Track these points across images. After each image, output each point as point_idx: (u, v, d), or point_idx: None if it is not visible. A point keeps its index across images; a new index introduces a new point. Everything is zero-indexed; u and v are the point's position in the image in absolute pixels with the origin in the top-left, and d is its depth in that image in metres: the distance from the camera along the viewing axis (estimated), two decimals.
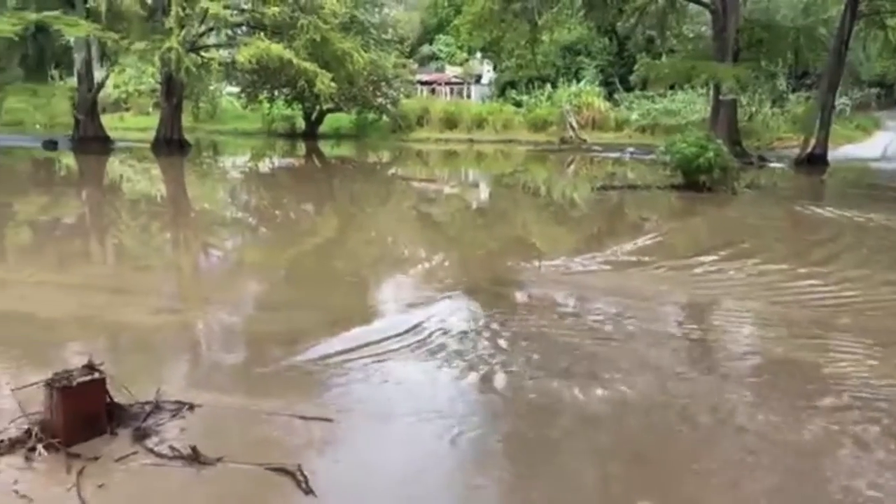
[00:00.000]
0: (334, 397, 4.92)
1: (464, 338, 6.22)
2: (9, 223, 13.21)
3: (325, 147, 30.95)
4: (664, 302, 7.77)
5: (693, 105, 30.48)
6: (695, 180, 16.00)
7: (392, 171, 25.39)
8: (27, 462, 3.75)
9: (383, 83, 30.78)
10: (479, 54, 40.05)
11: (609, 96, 34.10)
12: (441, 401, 4.92)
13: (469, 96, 39.86)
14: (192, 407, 4.48)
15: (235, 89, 33.01)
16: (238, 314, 7.26)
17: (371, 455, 4.18)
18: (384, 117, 32.92)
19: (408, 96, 33.90)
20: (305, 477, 3.69)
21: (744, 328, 6.92)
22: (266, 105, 32.24)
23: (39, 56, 28.16)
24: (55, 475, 3.66)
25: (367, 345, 5.95)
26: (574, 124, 31.27)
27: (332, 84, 22.48)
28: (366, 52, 25.80)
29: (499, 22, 25.80)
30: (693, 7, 26.89)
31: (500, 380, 5.32)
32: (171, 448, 3.93)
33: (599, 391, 5.09)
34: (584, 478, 4.09)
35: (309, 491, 3.61)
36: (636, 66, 26.90)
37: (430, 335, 6.22)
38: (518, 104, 35.10)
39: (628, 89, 32.93)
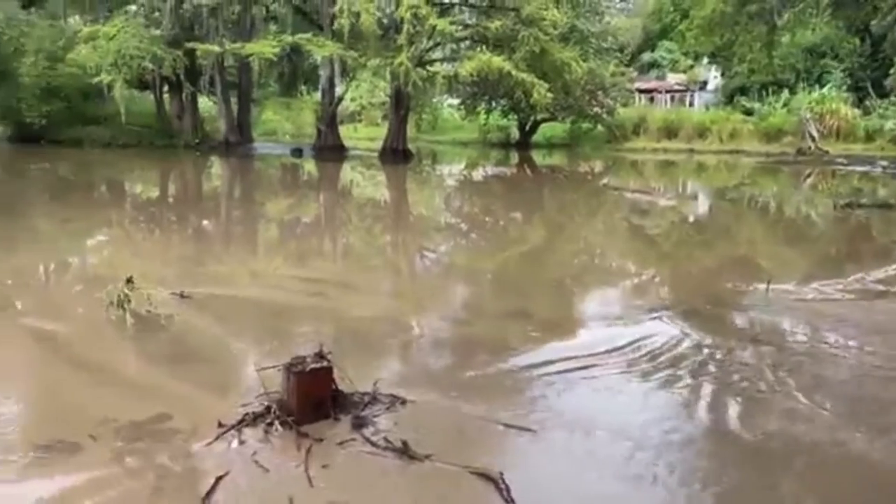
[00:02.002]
0: (537, 408, 4.90)
1: (677, 361, 5.85)
2: (260, 220, 15.14)
3: (538, 156, 31.22)
4: None
5: None
6: None
7: (604, 181, 24.85)
8: (265, 436, 4.23)
9: (600, 92, 30.32)
10: (705, 60, 37.77)
11: (858, 103, 30.23)
12: (649, 426, 4.67)
13: (692, 104, 37.76)
14: (404, 402, 4.73)
15: (456, 101, 34.63)
16: (448, 316, 7.54)
17: (572, 472, 4.09)
18: (599, 126, 32.39)
19: (625, 105, 33.04)
20: (507, 486, 3.72)
21: None
22: (483, 116, 33.36)
23: (292, 74, 32.01)
24: (287, 451, 4.08)
25: (572, 358, 5.86)
26: (814, 134, 28.20)
27: (549, 94, 22.59)
28: (584, 61, 25.60)
29: (731, 25, 24.09)
30: None
31: (713, 412, 4.92)
32: (385, 440, 4.19)
33: (830, 440, 4.50)
34: None
35: (510, 500, 3.63)
36: (893, 69, 23.50)
37: (640, 355, 5.95)
38: (748, 112, 32.53)
39: (882, 95, 28.92)
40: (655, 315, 7.26)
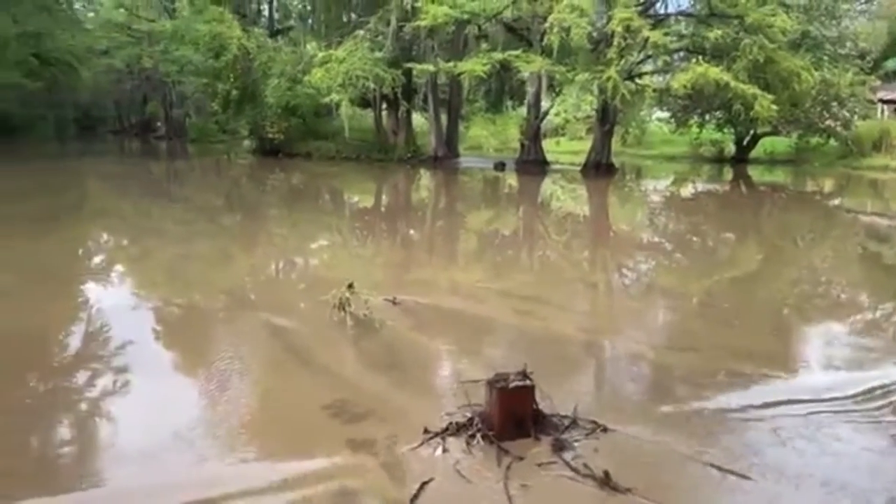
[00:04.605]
0: (754, 454, 4.50)
1: None
2: (462, 231, 15.69)
3: (756, 173, 28.87)
4: None
5: None
6: None
7: (835, 201, 22.30)
8: (467, 447, 4.35)
9: (834, 103, 27.28)
10: None
11: None
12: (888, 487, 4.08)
13: None
14: (605, 430, 4.61)
15: (665, 114, 33.19)
16: (649, 342, 7.20)
17: None
18: (831, 141, 29.15)
19: (864, 117, 29.35)
20: None
21: None
22: (695, 129, 31.61)
23: (500, 90, 32.92)
24: (488, 464, 4.17)
25: (794, 402, 5.31)
26: None
27: (773, 106, 20.78)
28: (816, 69, 23.19)
29: None
30: None
31: None
32: (585, 466, 4.10)
33: None
34: None
35: None
36: None
37: (879, 405, 5.22)
38: None
39: None
40: None
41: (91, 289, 9.25)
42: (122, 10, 42.21)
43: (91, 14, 44.87)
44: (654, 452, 4.45)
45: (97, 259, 11.63)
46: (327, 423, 4.74)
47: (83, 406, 5.23)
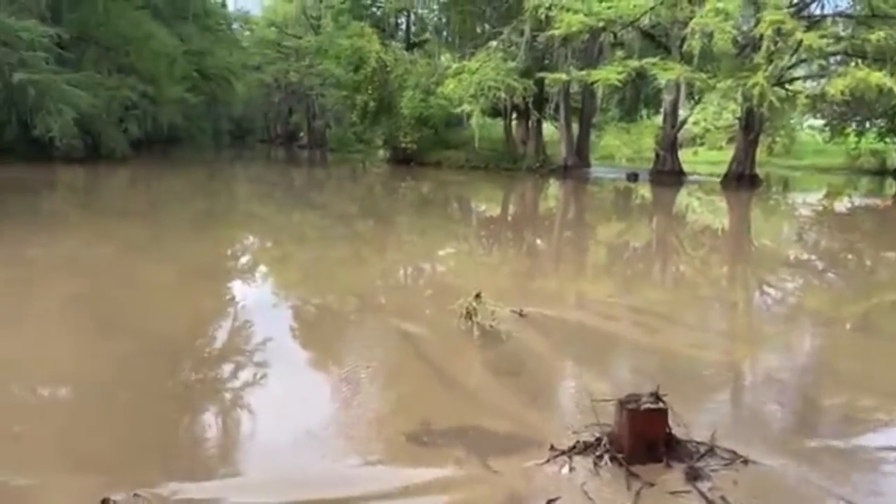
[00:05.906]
0: None
1: None
2: (591, 243, 15.35)
3: None
4: None
5: None
6: None
7: None
8: (594, 467, 4.20)
9: None
10: None
11: None
12: None
13: None
14: (746, 461, 4.29)
15: (818, 122, 30.80)
16: (793, 370, 6.67)
17: None
18: None
19: None
20: None
21: None
22: (853, 138, 29.08)
23: (634, 98, 31.93)
24: (616, 487, 4.00)
25: None
26: None
27: None
28: None
29: None
30: None
31: None
32: (723, 499, 3.84)
33: None
34: None
35: None
36: None
37: None
38: None
39: None
40: None
41: (237, 286, 9.96)
42: (273, 28, 45.39)
43: (247, 33, 48.59)
44: (800, 490, 4.10)
45: (243, 259, 12.50)
46: (454, 432, 4.76)
47: (226, 397, 5.59)
